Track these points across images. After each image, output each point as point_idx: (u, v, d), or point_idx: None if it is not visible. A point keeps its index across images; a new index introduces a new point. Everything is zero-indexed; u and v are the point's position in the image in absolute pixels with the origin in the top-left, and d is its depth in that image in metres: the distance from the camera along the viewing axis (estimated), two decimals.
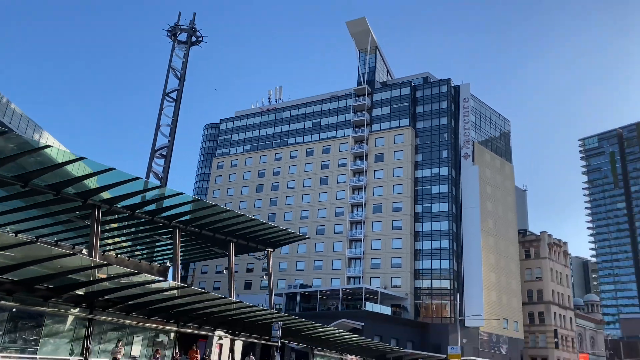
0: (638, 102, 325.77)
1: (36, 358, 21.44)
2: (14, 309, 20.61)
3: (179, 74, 60.65)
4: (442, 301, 80.00)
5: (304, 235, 44.84)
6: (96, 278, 20.89)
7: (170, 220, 31.46)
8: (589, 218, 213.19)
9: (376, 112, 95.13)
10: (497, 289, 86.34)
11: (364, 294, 73.33)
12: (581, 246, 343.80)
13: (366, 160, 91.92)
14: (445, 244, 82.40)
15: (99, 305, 23.84)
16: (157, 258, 45.57)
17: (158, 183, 52.43)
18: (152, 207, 29.71)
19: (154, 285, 23.71)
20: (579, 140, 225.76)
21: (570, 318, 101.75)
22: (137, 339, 26.27)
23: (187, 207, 32.21)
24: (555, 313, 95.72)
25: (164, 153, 57.37)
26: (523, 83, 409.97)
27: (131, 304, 25.27)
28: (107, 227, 33.42)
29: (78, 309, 23.10)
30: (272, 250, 45.03)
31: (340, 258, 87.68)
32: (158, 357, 26.67)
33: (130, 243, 40.58)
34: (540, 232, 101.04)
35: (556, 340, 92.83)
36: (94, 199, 27.35)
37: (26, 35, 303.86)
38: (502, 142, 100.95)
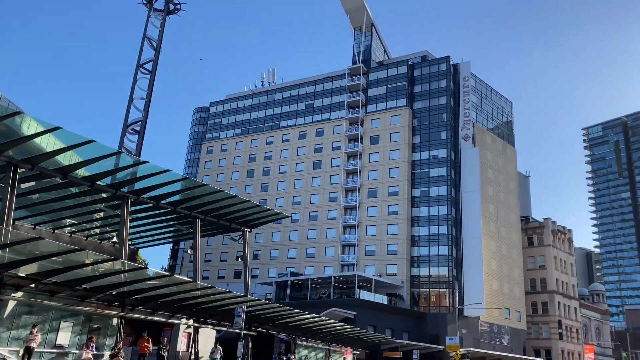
0: None
1: None
2: None
3: (154, 44, 56.23)
4: (440, 290, 75.71)
5: (283, 213, 40.38)
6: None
7: (117, 188, 27.08)
8: (593, 208, 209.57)
9: (372, 92, 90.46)
10: (498, 277, 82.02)
11: (356, 282, 69.04)
12: (584, 237, 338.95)
13: (361, 142, 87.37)
14: (443, 229, 77.98)
15: (11, 284, 19.57)
16: (97, 234, 40.69)
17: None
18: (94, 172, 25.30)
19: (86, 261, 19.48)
20: (583, 129, 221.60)
21: (575, 308, 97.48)
22: (66, 324, 21.99)
23: (142, 174, 27.78)
24: (559, 303, 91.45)
25: (138, 128, 53.08)
26: (525, 68, 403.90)
27: (57, 283, 20.98)
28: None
29: None
30: (249, 230, 40.63)
31: (333, 245, 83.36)
32: (92, 346, 22.40)
33: (78, 220, 36.05)
34: (544, 219, 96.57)
35: (560, 331, 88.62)
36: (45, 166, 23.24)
37: None
38: (504, 125, 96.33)
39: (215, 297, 27.63)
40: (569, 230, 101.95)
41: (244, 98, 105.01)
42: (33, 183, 26.06)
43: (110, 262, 21.33)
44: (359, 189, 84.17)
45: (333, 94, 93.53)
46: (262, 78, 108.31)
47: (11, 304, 19.73)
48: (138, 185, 28.35)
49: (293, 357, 42.36)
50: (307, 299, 72.34)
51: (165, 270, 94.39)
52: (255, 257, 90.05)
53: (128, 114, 53.36)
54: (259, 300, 32.01)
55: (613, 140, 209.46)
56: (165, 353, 29.44)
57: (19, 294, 20.08)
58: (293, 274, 78.49)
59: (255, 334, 38.72)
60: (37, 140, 22.10)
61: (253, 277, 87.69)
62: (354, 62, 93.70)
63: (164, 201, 30.60)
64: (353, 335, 48.13)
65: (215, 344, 33.36)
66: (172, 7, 56.85)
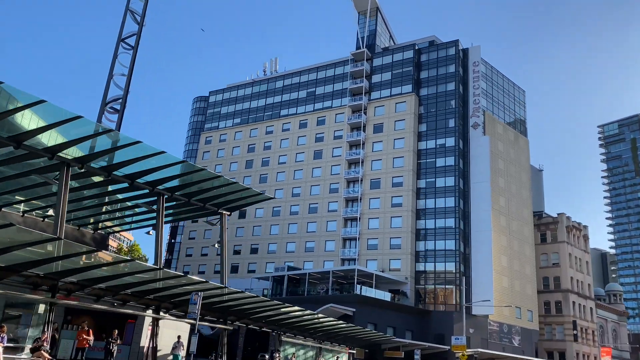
0: None
1: None
2: None
3: (138, 18, 52.21)
4: (447, 286, 70.95)
5: (265, 194, 35.91)
6: None
7: (53, 153, 22.86)
8: (608, 208, 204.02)
9: (376, 78, 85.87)
10: (509, 274, 77.07)
11: (356, 276, 64.53)
12: (600, 237, 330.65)
13: (364, 131, 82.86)
14: (450, 222, 73.20)
15: None
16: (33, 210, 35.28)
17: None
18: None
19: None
20: (598, 126, 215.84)
21: (591, 308, 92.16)
22: None
23: (87, 140, 23.53)
24: (574, 302, 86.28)
25: (118, 107, 49.09)
26: (538, 60, 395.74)
27: None
28: None
29: None
30: (229, 213, 36.12)
31: (334, 239, 78.92)
32: (2, 336, 18.27)
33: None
34: (558, 214, 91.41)
35: (575, 332, 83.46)
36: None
37: None
38: (516, 114, 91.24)
39: (170, 283, 23.40)
40: (585, 227, 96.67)
41: (244, 87, 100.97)
42: None
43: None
44: (361, 180, 79.68)
45: (335, 81, 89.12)
46: (264, 68, 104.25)
47: None
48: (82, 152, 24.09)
49: (277, 355, 38.04)
50: (305, 295, 68.03)
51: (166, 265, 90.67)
52: (253, 251, 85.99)
53: (107, 90, 49.48)
54: (225, 287, 27.71)
55: (629, 138, 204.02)
56: (115, 347, 25.30)
57: None
58: (290, 268, 74.22)
59: (230, 328, 34.47)
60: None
61: (250, 272, 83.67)
62: (358, 48, 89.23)
63: (117, 172, 26.25)
64: (346, 333, 43.71)
65: (178, 338, 29.09)
66: None
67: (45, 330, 20.22)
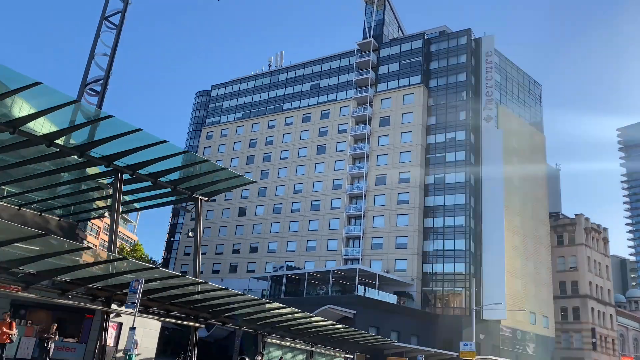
0: None
1: None
2: None
3: None
4: (456, 289, 66.32)
5: (246, 177, 31.87)
6: None
7: None
8: (628, 213, 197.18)
9: (383, 69, 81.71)
10: (523, 277, 72.22)
11: (357, 276, 60.19)
12: (619, 243, 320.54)
13: (370, 125, 78.66)
14: (460, 221, 68.60)
15: None
16: None
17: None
18: None
19: None
20: (618, 129, 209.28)
21: (611, 315, 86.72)
22: None
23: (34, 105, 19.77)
24: (592, 309, 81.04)
25: (98, 89, 45.65)
26: (555, 58, 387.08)
27: None
28: None
29: None
30: (206, 199, 31.99)
31: (336, 238, 74.72)
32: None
33: None
34: (576, 215, 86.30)
35: (594, 340, 78.22)
36: None
37: None
38: (531, 109, 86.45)
39: (108, 271, 19.50)
40: (605, 229, 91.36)
41: (247, 80, 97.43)
42: None
43: None
44: (366, 176, 75.46)
45: (341, 73, 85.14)
46: (269, 62, 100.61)
47: None
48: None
49: (260, 357, 33.95)
50: (303, 295, 63.87)
51: (153, 263, 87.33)
52: (253, 250, 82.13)
53: (88, 71, 46.12)
54: (191, 278, 23.77)
55: None
56: (52, 344, 21.42)
57: None
58: (290, 267, 70.12)
59: (203, 326, 30.51)
60: None
61: (250, 271, 79.77)
62: (365, 38, 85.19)
63: (67, 143, 22.41)
64: (340, 336, 39.49)
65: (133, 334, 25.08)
66: None
67: None
